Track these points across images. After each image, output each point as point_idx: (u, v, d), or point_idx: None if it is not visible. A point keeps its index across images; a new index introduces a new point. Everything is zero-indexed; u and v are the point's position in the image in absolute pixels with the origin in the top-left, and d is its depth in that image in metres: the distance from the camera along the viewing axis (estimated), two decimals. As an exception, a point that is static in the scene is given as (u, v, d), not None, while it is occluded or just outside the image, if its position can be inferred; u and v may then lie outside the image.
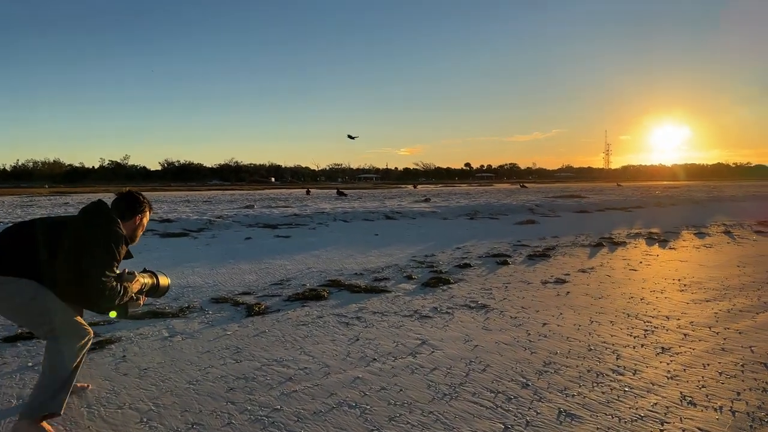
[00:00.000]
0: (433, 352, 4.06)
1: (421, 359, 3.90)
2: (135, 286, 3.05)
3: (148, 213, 3.16)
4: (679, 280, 6.94)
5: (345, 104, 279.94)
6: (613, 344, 4.23)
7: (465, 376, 3.55)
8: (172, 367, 3.82)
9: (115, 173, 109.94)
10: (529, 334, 4.52)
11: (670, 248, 10.12)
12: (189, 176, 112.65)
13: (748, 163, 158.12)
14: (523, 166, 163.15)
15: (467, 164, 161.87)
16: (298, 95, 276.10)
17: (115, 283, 2.83)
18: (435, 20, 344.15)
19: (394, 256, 9.01)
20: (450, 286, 6.61)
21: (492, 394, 3.26)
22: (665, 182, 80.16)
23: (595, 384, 3.41)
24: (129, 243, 3.00)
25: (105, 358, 4.03)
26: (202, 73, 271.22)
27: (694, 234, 12.37)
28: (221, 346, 4.31)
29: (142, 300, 3.20)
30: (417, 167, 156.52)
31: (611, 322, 4.90)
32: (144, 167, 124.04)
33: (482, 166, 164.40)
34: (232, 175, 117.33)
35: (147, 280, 3.23)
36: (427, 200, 25.12)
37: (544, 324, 4.83)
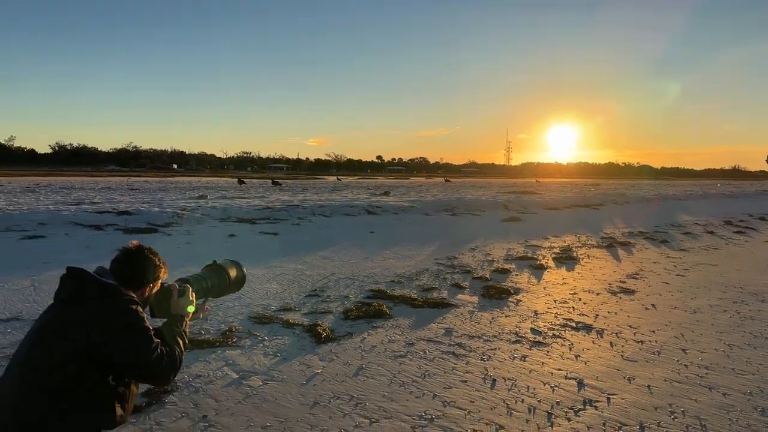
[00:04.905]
0: (609, 399, 3.24)
1: (610, 412, 3.07)
2: (189, 314, 2.10)
3: (161, 279, 2.09)
4: (743, 287, 6.55)
5: (253, 89, 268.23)
6: (794, 379, 3.61)
7: (694, 438, 2.76)
8: (289, 434, 2.76)
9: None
10: (686, 366, 3.81)
11: (680, 249, 9.91)
12: (83, 161, 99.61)
13: (637, 163, 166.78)
14: (432, 161, 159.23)
15: (379, 156, 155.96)
16: (202, 77, 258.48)
17: (162, 350, 1.87)
18: (350, 13, 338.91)
19: (414, 259, 8.12)
20: (516, 298, 5.83)
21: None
22: (585, 179, 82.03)
23: None
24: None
25: (178, 421, 2.89)
26: (96, 49, 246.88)
27: (683, 234, 12.36)
28: (327, 393, 3.27)
29: (205, 309, 2.23)
30: (329, 158, 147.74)
31: (750, 345, 4.30)
32: (32, 150, 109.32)
33: (394, 159, 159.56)
34: (131, 160, 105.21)
35: (203, 283, 2.24)
36: (386, 193, 24.27)
37: (684, 350, 4.15)
